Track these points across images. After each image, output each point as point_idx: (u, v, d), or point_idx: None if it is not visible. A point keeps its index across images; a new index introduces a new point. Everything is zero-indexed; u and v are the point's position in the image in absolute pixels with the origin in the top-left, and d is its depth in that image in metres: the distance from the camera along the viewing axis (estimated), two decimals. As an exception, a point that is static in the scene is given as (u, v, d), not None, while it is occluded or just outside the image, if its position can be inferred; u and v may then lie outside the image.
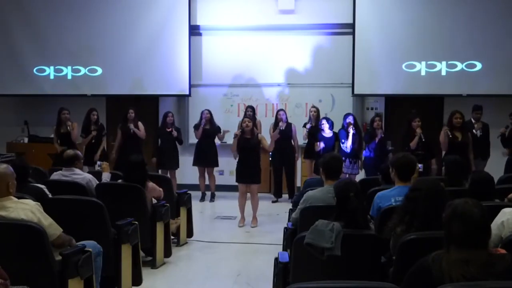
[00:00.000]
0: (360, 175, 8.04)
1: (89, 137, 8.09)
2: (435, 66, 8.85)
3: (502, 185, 5.07)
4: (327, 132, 8.15)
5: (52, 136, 8.70)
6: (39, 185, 4.55)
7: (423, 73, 8.89)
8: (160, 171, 8.58)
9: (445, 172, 5.07)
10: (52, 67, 9.57)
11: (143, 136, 8.43)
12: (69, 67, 9.55)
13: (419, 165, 5.11)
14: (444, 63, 8.82)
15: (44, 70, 9.60)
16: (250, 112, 8.59)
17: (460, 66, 8.79)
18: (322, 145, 8.06)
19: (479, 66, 8.73)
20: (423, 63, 8.85)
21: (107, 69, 9.50)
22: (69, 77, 9.58)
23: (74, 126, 7.94)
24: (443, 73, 8.85)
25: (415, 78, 8.87)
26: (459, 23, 8.75)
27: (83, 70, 9.54)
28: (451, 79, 8.81)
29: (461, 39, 8.75)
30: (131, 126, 8.27)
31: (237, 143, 6.95)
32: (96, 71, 9.51)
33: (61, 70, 9.58)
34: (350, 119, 8.08)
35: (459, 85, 8.77)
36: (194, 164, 8.78)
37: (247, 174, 6.92)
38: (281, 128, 8.38)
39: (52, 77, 9.60)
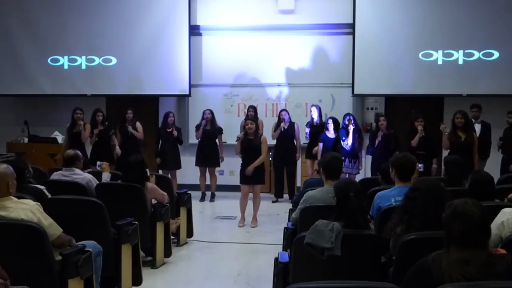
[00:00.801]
0: (360, 175, 8.05)
1: (93, 137, 8.09)
2: (452, 54, 8.84)
3: (502, 185, 5.07)
4: (332, 132, 8.17)
5: (53, 136, 8.72)
6: (38, 185, 4.54)
7: (440, 62, 8.86)
8: (161, 171, 8.58)
9: (444, 172, 5.07)
10: (66, 57, 9.57)
11: (141, 137, 8.43)
12: (84, 57, 9.54)
13: (419, 165, 5.12)
14: (461, 51, 8.80)
15: (58, 60, 9.59)
16: (252, 113, 8.59)
17: (477, 55, 8.77)
18: (320, 147, 8.10)
19: (496, 54, 8.71)
20: (440, 51, 8.82)
21: (107, 69, 9.49)
22: (83, 67, 9.57)
23: (87, 127, 7.95)
24: (460, 62, 8.82)
25: (432, 67, 8.83)
26: (460, 19, 8.76)
27: (97, 60, 9.53)
28: (468, 68, 8.79)
29: (464, 32, 8.77)
30: (129, 128, 8.28)
31: (240, 144, 6.93)
32: (110, 60, 9.50)
33: (75, 60, 9.57)
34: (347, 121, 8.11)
35: (476, 76, 8.77)
36: (196, 165, 8.79)
37: (252, 174, 6.91)
38: (282, 129, 8.40)
39: (66, 67, 9.60)
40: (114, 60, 9.49)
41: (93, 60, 9.53)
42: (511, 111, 7.71)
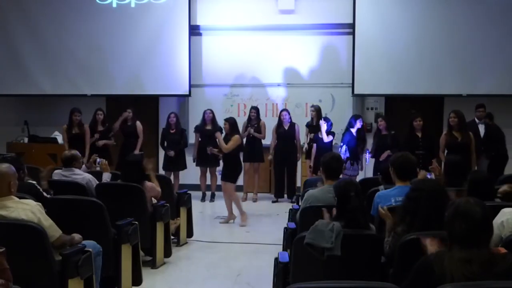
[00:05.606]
0: (360, 175, 8.04)
1: (93, 139, 8.10)
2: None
3: (502, 185, 5.05)
4: (325, 136, 8.12)
5: (53, 136, 8.71)
6: (30, 180, 4.52)
7: None
8: (164, 172, 8.59)
9: (444, 172, 5.06)
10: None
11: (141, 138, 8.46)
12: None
13: (428, 174, 5.05)
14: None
15: None
16: (254, 114, 8.59)
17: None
18: (314, 147, 8.08)
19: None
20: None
21: (107, 69, 9.49)
22: (133, 5, 9.44)
23: (87, 130, 8.02)
24: None
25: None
26: (460, 20, 8.76)
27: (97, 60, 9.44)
28: None
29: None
30: (125, 114, 8.40)
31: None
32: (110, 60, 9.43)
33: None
34: (359, 123, 8.02)
35: (476, 75, 8.71)
36: (197, 165, 8.79)
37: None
38: (283, 130, 8.44)
39: (115, 5, 9.47)
40: (114, 60, 9.45)
41: (94, 61, 9.49)
42: (479, 105, 7.72)
